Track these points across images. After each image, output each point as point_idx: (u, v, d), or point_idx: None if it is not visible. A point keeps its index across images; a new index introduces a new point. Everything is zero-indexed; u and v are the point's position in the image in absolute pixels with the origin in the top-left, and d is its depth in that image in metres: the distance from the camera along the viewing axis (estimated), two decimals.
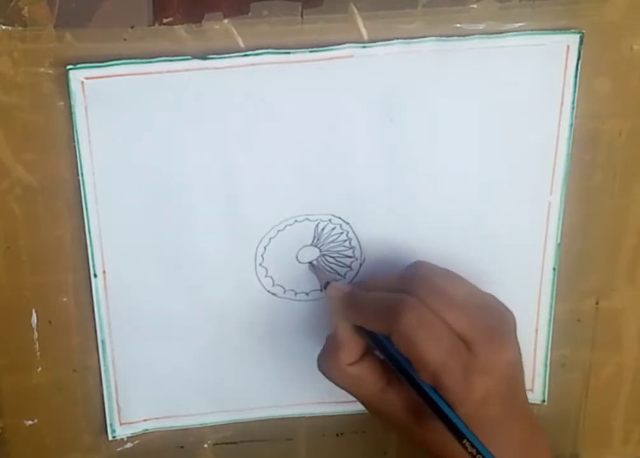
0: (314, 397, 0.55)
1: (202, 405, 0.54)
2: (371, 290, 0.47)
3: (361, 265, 0.52)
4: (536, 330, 0.55)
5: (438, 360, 0.43)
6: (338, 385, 0.47)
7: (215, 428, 0.55)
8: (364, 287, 0.48)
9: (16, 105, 0.46)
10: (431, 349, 0.43)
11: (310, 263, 0.51)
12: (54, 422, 0.53)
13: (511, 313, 0.47)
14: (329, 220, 0.51)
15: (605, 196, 0.54)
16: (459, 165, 0.51)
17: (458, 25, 0.48)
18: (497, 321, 0.45)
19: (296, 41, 0.46)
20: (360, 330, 0.46)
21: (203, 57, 0.46)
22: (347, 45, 0.47)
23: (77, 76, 0.45)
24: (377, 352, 0.47)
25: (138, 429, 0.54)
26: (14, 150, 0.47)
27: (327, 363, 0.47)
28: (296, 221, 0.51)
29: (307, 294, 0.52)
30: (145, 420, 0.54)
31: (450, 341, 0.43)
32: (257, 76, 0.47)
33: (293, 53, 0.46)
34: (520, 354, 0.46)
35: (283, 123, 0.48)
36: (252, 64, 0.46)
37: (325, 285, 0.50)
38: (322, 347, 0.48)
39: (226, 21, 0.46)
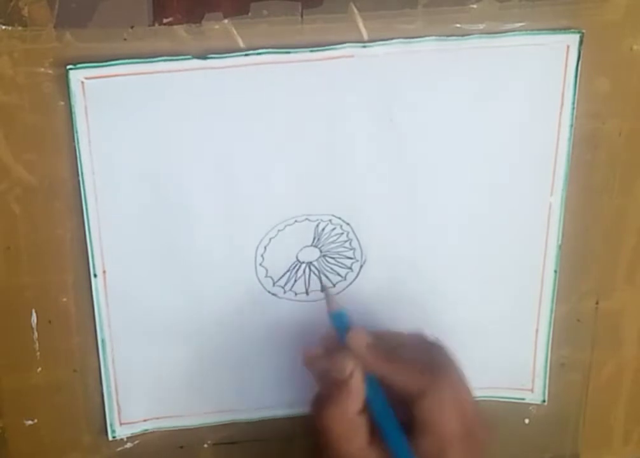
0: None
1: (202, 405, 0.54)
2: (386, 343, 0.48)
3: (361, 267, 0.52)
4: (536, 330, 0.55)
5: (454, 432, 0.44)
6: (333, 434, 0.45)
7: (215, 428, 0.55)
8: (381, 339, 0.48)
9: (16, 105, 0.46)
10: (455, 419, 0.44)
11: (323, 286, 0.52)
12: (54, 422, 0.53)
13: None
14: (330, 220, 0.51)
15: (605, 196, 0.54)
16: (459, 165, 0.51)
17: (458, 25, 0.48)
18: (478, 408, 0.47)
19: (296, 41, 0.46)
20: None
21: (204, 57, 0.46)
22: (347, 45, 0.47)
23: (77, 76, 0.45)
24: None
25: (138, 429, 0.54)
26: (14, 150, 0.47)
27: (333, 410, 0.45)
28: (296, 221, 0.51)
29: (307, 294, 0.53)
30: (145, 420, 0.54)
31: (463, 418, 0.45)
32: (257, 76, 0.47)
33: (293, 52, 0.46)
34: None
35: (283, 123, 0.48)
36: (252, 64, 0.46)
37: (336, 315, 0.49)
38: (321, 392, 0.47)
39: (226, 21, 0.46)
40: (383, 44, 0.47)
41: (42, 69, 0.45)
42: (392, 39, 0.47)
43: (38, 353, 0.51)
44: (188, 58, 0.46)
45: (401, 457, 0.45)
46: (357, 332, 0.47)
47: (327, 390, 0.47)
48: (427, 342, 0.48)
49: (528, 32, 0.48)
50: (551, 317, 0.55)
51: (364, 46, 0.47)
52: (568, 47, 0.49)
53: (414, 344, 0.48)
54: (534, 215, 0.53)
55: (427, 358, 0.46)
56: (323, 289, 0.51)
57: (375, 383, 0.47)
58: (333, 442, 0.46)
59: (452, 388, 0.45)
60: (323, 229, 0.51)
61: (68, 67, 0.45)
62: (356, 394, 0.46)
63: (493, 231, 0.53)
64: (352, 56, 0.47)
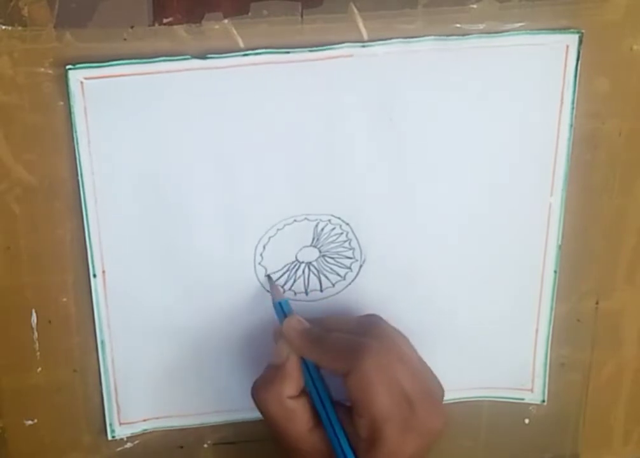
0: None
1: (201, 405, 0.54)
2: (330, 329, 0.48)
3: (360, 267, 0.52)
4: (536, 330, 0.55)
5: (385, 409, 0.44)
6: (271, 417, 0.47)
7: (215, 428, 0.55)
8: (323, 326, 0.49)
9: (16, 105, 0.46)
10: (383, 397, 0.44)
11: (268, 276, 0.51)
12: (54, 422, 0.53)
13: (441, 384, 0.48)
14: (329, 220, 0.51)
15: (605, 196, 0.54)
16: (458, 165, 0.51)
17: (458, 25, 0.48)
18: (434, 388, 0.47)
19: (296, 41, 0.47)
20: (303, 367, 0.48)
21: (203, 57, 0.46)
22: (346, 44, 0.47)
23: (76, 76, 0.45)
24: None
25: (138, 429, 0.54)
26: (14, 150, 0.47)
27: (267, 392, 0.47)
28: (295, 220, 0.51)
29: (307, 294, 0.53)
30: (145, 420, 0.54)
31: (398, 395, 0.45)
32: (257, 76, 0.47)
33: (292, 52, 0.46)
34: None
35: (282, 123, 0.48)
36: (252, 64, 0.46)
37: (277, 304, 0.50)
38: (260, 376, 0.48)
39: (226, 21, 0.46)
40: (382, 44, 0.47)
41: (42, 69, 0.45)
42: (391, 38, 0.47)
43: (38, 353, 0.51)
44: (188, 58, 0.46)
45: (334, 443, 0.46)
46: (290, 319, 0.49)
47: (266, 375, 0.48)
48: (370, 325, 0.48)
49: (528, 32, 0.48)
50: (551, 317, 0.55)
51: (364, 46, 0.47)
52: (567, 47, 0.49)
53: (354, 328, 0.48)
54: (534, 215, 0.53)
55: (354, 341, 0.46)
56: (268, 279, 0.52)
57: (315, 371, 0.48)
58: (273, 425, 0.47)
59: (377, 368, 0.45)
60: (322, 229, 0.51)
61: (67, 67, 0.45)
62: (290, 378, 0.47)
63: (493, 231, 0.53)
64: (351, 55, 0.47)
